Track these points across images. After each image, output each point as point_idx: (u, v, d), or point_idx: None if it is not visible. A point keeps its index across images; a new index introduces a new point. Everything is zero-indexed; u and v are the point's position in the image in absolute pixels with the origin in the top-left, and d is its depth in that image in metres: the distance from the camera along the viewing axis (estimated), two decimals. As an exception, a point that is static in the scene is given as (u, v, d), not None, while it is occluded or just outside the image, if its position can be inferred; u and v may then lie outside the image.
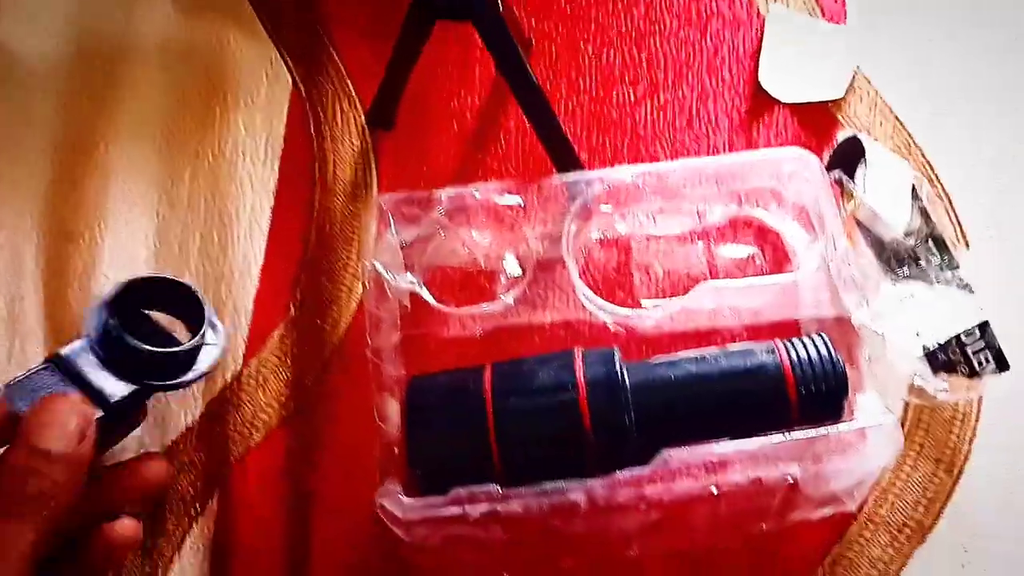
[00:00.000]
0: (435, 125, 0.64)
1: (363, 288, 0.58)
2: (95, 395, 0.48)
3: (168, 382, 0.50)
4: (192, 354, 0.51)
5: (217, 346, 0.52)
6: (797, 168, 0.49)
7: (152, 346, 0.49)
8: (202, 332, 0.51)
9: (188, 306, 0.52)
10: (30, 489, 0.43)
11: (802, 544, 0.52)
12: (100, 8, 0.68)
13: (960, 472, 0.54)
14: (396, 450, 0.47)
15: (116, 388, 0.49)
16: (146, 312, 0.53)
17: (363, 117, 0.64)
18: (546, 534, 0.47)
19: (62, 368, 0.49)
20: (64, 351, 0.49)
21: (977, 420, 0.55)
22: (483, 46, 0.55)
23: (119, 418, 0.50)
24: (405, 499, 0.45)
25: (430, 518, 0.45)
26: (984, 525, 0.53)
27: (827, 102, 0.64)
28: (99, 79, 0.66)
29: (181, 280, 0.52)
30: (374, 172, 0.63)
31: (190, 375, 0.51)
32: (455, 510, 0.45)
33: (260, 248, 0.60)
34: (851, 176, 0.52)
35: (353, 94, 0.65)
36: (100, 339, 0.49)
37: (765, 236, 0.54)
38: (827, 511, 0.49)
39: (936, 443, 0.55)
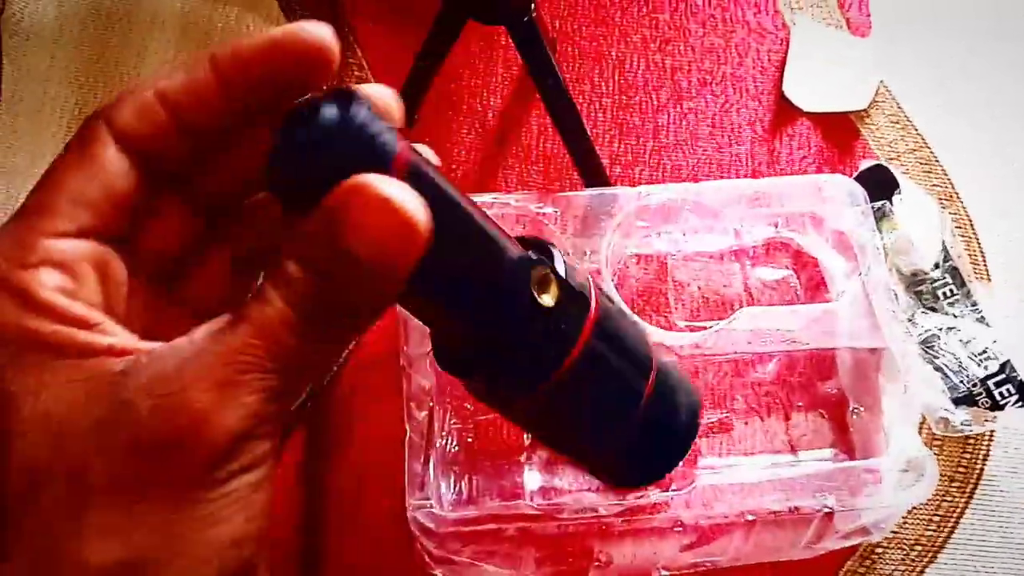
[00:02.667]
0: (457, 124, 0.63)
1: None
2: None
3: None
4: None
5: None
6: (837, 194, 0.49)
7: None
8: None
9: None
10: None
11: (816, 560, 0.53)
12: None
13: (973, 491, 0.55)
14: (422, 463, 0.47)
15: None
16: None
17: (385, 113, 0.63)
18: (575, 553, 0.48)
19: None
20: None
21: (990, 440, 0.56)
22: (507, 46, 0.54)
23: None
24: (440, 512, 0.45)
25: (464, 532, 0.45)
26: (995, 543, 0.54)
27: (850, 114, 0.64)
28: (116, 49, 0.64)
29: None
30: (396, 171, 0.62)
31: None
32: (491, 525, 0.45)
33: (281, 246, 0.59)
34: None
35: (374, 89, 0.64)
36: None
37: (800, 259, 0.54)
38: (854, 541, 0.50)
39: (950, 462, 0.56)
